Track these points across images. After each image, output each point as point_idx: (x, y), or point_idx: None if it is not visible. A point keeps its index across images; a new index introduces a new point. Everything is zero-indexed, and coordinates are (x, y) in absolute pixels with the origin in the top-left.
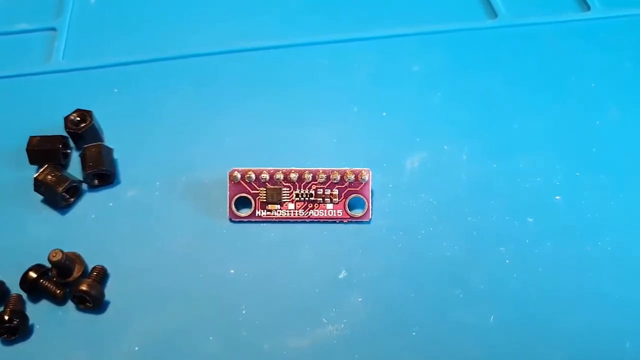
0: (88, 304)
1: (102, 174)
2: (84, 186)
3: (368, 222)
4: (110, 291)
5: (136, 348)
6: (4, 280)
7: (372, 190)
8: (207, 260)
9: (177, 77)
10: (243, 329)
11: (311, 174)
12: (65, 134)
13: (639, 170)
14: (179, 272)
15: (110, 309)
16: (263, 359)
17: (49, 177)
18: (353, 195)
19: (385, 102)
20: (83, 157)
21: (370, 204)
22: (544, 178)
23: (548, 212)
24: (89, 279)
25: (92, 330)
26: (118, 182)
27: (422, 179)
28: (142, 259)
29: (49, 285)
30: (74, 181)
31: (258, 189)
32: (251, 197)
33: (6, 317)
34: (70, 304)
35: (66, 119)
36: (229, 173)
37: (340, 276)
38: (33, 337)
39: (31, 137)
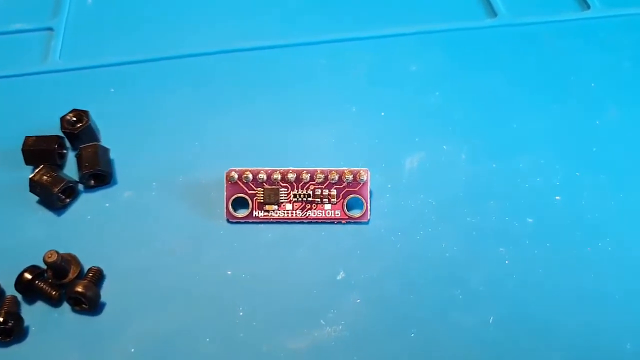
0: (84, 305)
1: (98, 174)
2: (80, 187)
3: (366, 223)
4: (106, 292)
5: (132, 350)
6: None
7: (370, 191)
8: (204, 261)
9: (174, 77)
10: (240, 331)
11: (309, 174)
12: (61, 134)
13: (638, 170)
14: (176, 273)
15: (106, 311)
16: None
17: (45, 177)
18: (351, 195)
19: (383, 101)
20: (79, 158)
21: (368, 205)
22: (544, 178)
23: (548, 213)
24: (85, 280)
25: (88, 332)
26: (114, 183)
27: (421, 179)
28: (139, 260)
29: (44, 286)
30: (69, 182)
31: (255, 189)
32: (248, 198)
33: (1, 319)
34: (65, 306)
35: (62, 119)
36: (226, 173)
37: (338, 277)
38: (28, 339)
39: (27, 137)
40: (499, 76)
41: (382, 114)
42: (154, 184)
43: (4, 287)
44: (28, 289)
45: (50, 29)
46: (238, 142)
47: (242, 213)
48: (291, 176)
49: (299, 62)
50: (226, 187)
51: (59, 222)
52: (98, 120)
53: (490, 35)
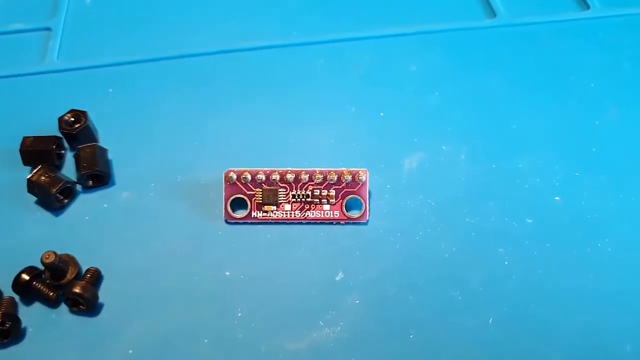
0: (81, 306)
1: (97, 174)
2: (78, 187)
3: (365, 224)
4: (104, 293)
5: (130, 351)
6: None
7: (369, 191)
8: (203, 262)
9: (172, 77)
10: (239, 332)
11: (308, 175)
12: (60, 135)
13: (638, 170)
14: (174, 274)
15: (104, 312)
16: None
17: (43, 178)
18: (350, 196)
19: (383, 102)
20: (77, 158)
21: (367, 205)
22: (543, 178)
23: (547, 213)
24: (83, 281)
25: (86, 333)
26: (113, 183)
27: (420, 180)
28: (137, 260)
29: (42, 287)
30: (67, 182)
31: (254, 189)
32: (247, 198)
33: None
34: (63, 307)
35: (60, 119)
36: (225, 174)
37: (337, 278)
38: (26, 340)
39: (25, 138)
40: (499, 76)
41: (382, 114)
42: (152, 184)
43: (1, 288)
44: (25, 290)
45: (48, 29)
46: (237, 142)
47: (240, 214)
48: (290, 177)
49: (298, 62)
50: (225, 187)
51: (57, 222)
52: (96, 120)
53: (489, 36)
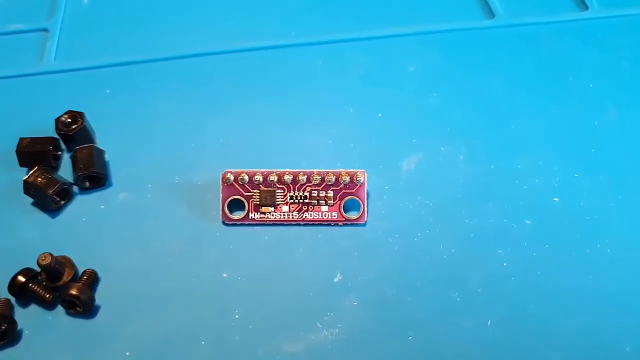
0: (78, 308)
1: (93, 176)
2: (75, 188)
3: (363, 225)
4: (100, 295)
5: (127, 353)
6: None
7: (367, 192)
8: (200, 263)
9: (169, 78)
10: (236, 334)
11: (305, 176)
12: (56, 136)
13: (637, 171)
14: (171, 276)
15: (100, 314)
16: None
17: (39, 179)
18: (348, 197)
19: (381, 102)
20: (74, 159)
21: (365, 206)
22: (542, 179)
23: (546, 214)
24: (79, 283)
25: (82, 335)
26: (110, 185)
27: (418, 181)
28: (134, 262)
29: (38, 289)
30: (64, 183)
31: (251, 191)
32: (244, 200)
33: None
34: (60, 309)
35: (57, 120)
36: (222, 175)
37: (335, 279)
38: (22, 342)
39: (21, 139)
40: (497, 77)
41: (380, 114)
42: (149, 185)
43: None
44: (22, 292)
45: (45, 30)
46: (234, 143)
47: (238, 215)
48: (288, 178)
49: (296, 62)
50: (222, 188)
51: (53, 224)
52: (93, 121)
53: (488, 36)
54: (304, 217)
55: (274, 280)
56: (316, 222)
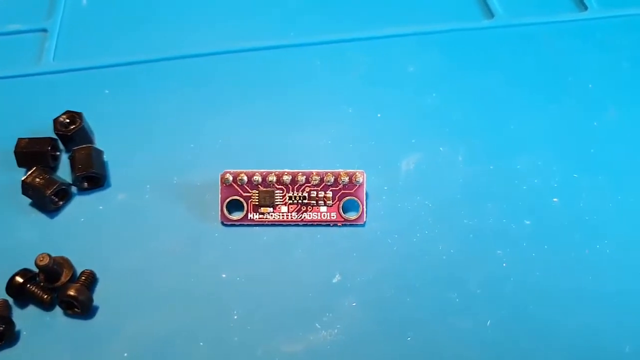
0: (76, 309)
1: (92, 176)
2: (73, 189)
3: (362, 225)
4: (99, 296)
5: (125, 354)
6: None
7: (366, 193)
8: (199, 264)
9: (168, 79)
10: (235, 334)
11: (304, 176)
12: (55, 136)
13: (637, 171)
14: (170, 277)
15: (99, 315)
16: None
17: (37, 179)
18: (347, 197)
19: (380, 103)
20: (72, 160)
21: (364, 207)
22: (542, 180)
23: (545, 214)
24: (77, 283)
25: (81, 336)
26: (108, 185)
27: (417, 181)
28: (132, 263)
29: (36, 290)
30: (63, 184)
31: (250, 191)
32: (243, 200)
33: None
34: (58, 310)
35: (55, 120)
36: (221, 175)
37: (334, 280)
38: (20, 343)
39: (19, 139)
40: (497, 77)
41: (379, 115)
42: (148, 186)
43: None
44: (19, 293)
45: (44, 30)
46: (233, 143)
47: (236, 215)
48: (286, 178)
49: (295, 63)
50: (221, 189)
51: (51, 224)
52: (92, 122)
53: (487, 36)
54: (302, 217)
55: (273, 280)
56: (315, 223)
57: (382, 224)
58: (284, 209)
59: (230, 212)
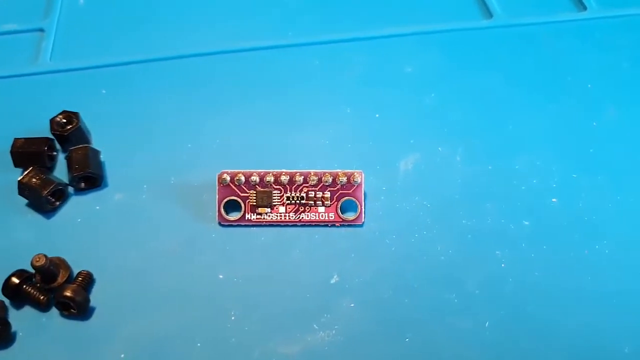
0: (72, 310)
1: (89, 176)
2: (70, 189)
3: (361, 226)
4: (95, 297)
5: (122, 355)
6: None
7: (364, 193)
8: (196, 264)
9: (166, 79)
10: (232, 335)
11: (302, 177)
12: (51, 136)
13: (637, 172)
14: (167, 278)
15: (95, 316)
16: None
17: (34, 180)
18: (345, 198)
19: (378, 103)
20: (69, 160)
21: (362, 207)
22: (541, 180)
23: (545, 215)
24: (74, 284)
25: (77, 337)
26: (105, 185)
27: (416, 181)
28: (129, 263)
29: (32, 291)
30: (59, 184)
31: (248, 191)
32: (241, 200)
33: None
34: (54, 311)
35: (52, 120)
36: (218, 175)
37: (332, 281)
38: (16, 344)
39: (16, 139)
40: (495, 77)
41: (377, 115)
42: (145, 186)
43: None
44: (16, 294)
45: (41, 29)
46: (230, 144)
47: (234, 216)
48: (284, 178)
49: (293, 63)
50: (218, 189)
51: (48, 225)
52: (89, 122)
53: (486, 36)
54: (300, 218)
55: (271, 281)
56: (313, 223)
57: (380, 224)
58: (282, 209)
59: (227, 213)
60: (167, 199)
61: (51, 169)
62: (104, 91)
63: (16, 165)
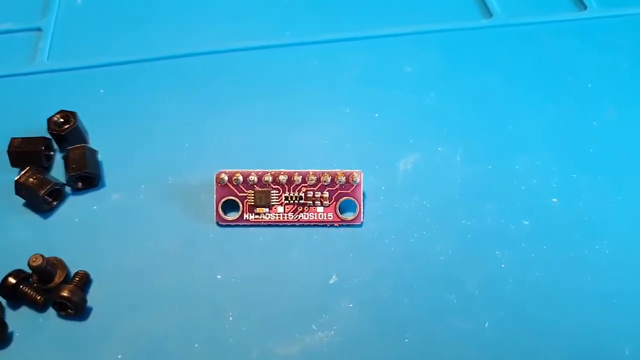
0: (69, 310)
1: (86, 176)
2: (67, 189)
3: (359, 226)
4: (92, 297)
5: (119, 356)
6: None
7: (363, 193)
8: (194, 265)
9: (164, 78)
10: (230, 336)
11: (301, 176)
12: (49, 136)
13: (636, 171)
14: (165, 278)
15: (92, 316)
16: None
17: (31, 179)
18: (344, 197)
19: (377, 102)
20: (66, 159)
21: (361, 207)
22: (540, 180)
23: (544, 215)
24: (71, 284)
25: (74, 338)
26: (103, 185)
27: (415, 181)
28: (126, 263)
29: (29, 291)
30: (56, 184)
31: (246, 191)
32: (239, 200)
33: None
34: (51, 311)
35: (49, 120)
36: (216, 175)
37: (331, 281)
38: (12, 345)
39: (13, 139)
40: (495, 77)
41: (376, 115)
42: (142, 186)
43: None
44: (12, 294)
45: (38, 29)
46: (229, 143)
47: (232, 216)
48: (282, 178)
49: (292, 62)
50: (216, 189)
51: (45, 225)
52: (87, 121)
53: (485, 36)
54: (299, 218)
55: (269, 281)
56: (311, 223)
57: (379, 224)
58: (280, 209)
59: (225, 213)
60: (165, 199)
61: (48, 168)
62: (101, 91)
63: (13, 164)
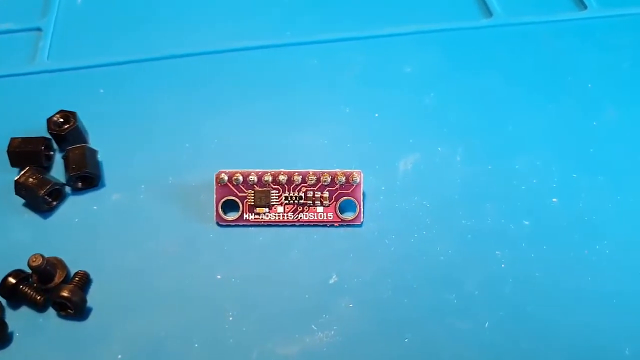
0: (69, 310)
1: (86, 176)
2: (67, 189)
3: (359, 226)
4: (92, 297)
5: (119, 356)
6: None
7: (363, 193)
8: (194, 265)
9: (164, 78)
10: (230, 336)
11: (301, 176)
12: (48, 136)
13: (636, 172)
14: (164, 278)
15: (92, 316)
16: None
17: (31, 179)
18: (344, 197)
19: (377, 102)
20: (66, 159)
21: (361, 207)
22: (541, 180)
23: (544, 215)
24: (71, 284)
25: (74, 338)
26: (102, 185)
27: (415, 181)
28: (126, 264)
29: (29, 291)
30: (56, 184)
31: (246, 191)
32: (239, 200)
33: None
34: (51, 311)
35: (49, 120)
36: (216, 175)
37: (331, 281)
38: (12, 345)
39: (12, 139)
40: (495, 77)
41: (376, 115)
42: (142, 186)
43: None
44: (12, 294)
45: (38, 29)
46: (228, 143)
47: (232, 216)
48: (282, 178)
49: (291, 62)
50: (216, 189)
51: (45, 225)
52: (87, 121)
53: (485, 36)
54: (299, 218)
55: (269, 281)
56: (311, 223)
57: (379, 224)
58: (280, 209)
59: (225, 213)
60: (165, 199)
61: (48, 168)
62: (101, 90)
63: (13, 164)
